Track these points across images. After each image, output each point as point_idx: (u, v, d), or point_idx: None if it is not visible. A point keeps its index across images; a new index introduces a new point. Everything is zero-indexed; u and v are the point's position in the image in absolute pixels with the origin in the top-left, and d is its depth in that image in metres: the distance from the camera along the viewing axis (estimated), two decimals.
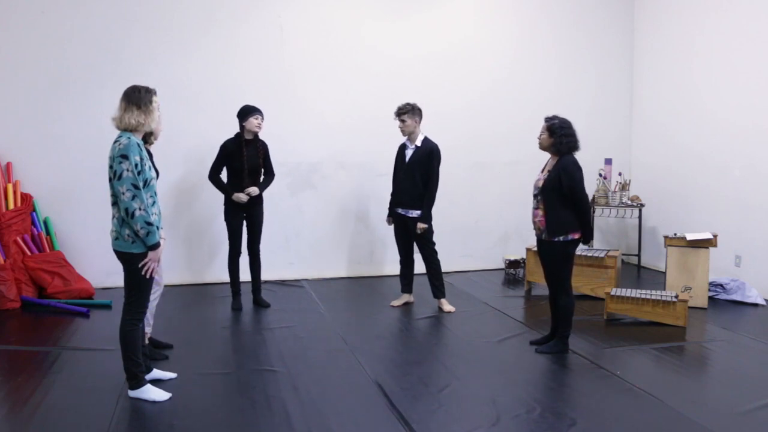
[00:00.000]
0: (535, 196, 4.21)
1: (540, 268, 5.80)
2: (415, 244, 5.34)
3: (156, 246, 3.28)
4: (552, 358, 4.13)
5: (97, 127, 5.60)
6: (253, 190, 5.07)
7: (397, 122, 5.18)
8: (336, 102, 6.45)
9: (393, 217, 5.34)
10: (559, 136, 4.06)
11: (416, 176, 5.13)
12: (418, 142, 5.16)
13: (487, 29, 6.90)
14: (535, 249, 5.94)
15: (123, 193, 3.18)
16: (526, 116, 6.96)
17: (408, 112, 5.10)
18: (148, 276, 3.32)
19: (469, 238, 6.97)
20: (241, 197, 5.04)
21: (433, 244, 5.26)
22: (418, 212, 5.16)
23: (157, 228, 3.33)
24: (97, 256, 5.71)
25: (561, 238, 4.07)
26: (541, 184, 4.14)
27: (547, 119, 4.16)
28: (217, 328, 4.77)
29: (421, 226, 5.12)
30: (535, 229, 4.27)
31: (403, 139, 5.31)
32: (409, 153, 5.19)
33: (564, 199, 4.04)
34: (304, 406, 3.35)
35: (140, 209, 3.20)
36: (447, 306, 5.29)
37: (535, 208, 4.19)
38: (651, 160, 7.17)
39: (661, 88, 6.99)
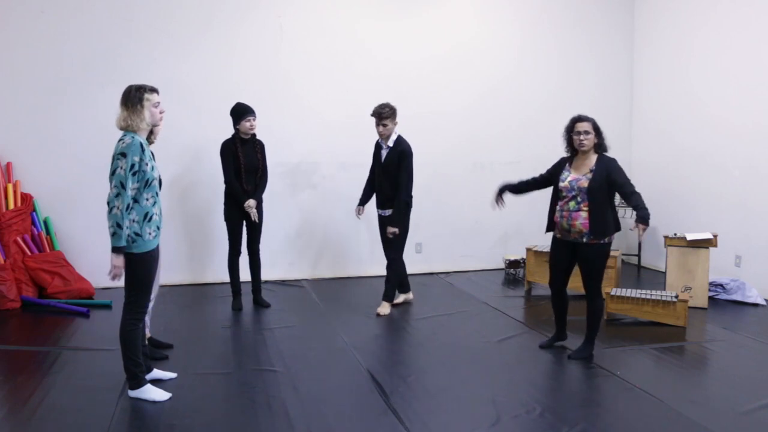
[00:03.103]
0: (574, 197, 3.93)
1: (540, 268, 5.83)
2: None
3: (118, 250, 3.19)
4: (552, 359, 4.13)
5: (97, 127, 5.62)
6: (251, 203, 5.06)
7: (378, 126, 5.03)
8: (336, 102, 6.45)
9: (378, 218, 5.31)
10: (600, 134, 3.98)
11: (390, 177, 5.09)
12: (391, 143, 5.08)
13: (488, 30, 6.89)
14: (536, 249, 5.98)
15: (111, 188, 3.19)
16: (526, 117, 6.96)
17: (389, 117, 4.99)
18: (112, 280, 3.26)
19: (469, 238, 6.96)
20: (251, 204, 5.05)
21: (401, 250, 5.19)
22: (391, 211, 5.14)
23: (158, 228, 3.33)
24: (97, 256, 5.70)
25: (606, 240, 3.95)
26: (586, 184, 3.89)
27: (584, 118, 3.97)
28: (217, 328, 4.77)
29: (391, 230, 5.05)
30: (571, 231, 3.97)
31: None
32: (383, 153, 5.13)
33: (608, 199, 3.92)
34: (304, 406, 3.36)
35: (118, 208, 3.18)
36: (384, 309, 5.17)
37: (575, 210, 3.92)
38: (651, 160, 7.17)
39: (661, 88, 6.99)
